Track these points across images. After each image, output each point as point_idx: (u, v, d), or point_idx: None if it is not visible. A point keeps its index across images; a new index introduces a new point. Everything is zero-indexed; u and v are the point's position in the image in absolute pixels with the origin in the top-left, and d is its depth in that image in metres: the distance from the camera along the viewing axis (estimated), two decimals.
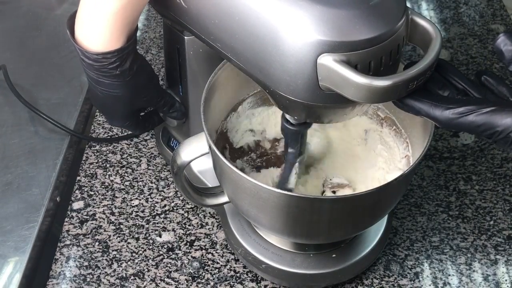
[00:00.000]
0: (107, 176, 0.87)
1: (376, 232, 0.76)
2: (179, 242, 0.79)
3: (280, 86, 0.53)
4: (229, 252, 0.78)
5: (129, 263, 0.77)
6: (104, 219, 0.82)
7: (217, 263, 0.77)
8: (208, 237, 0.80)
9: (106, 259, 0.77)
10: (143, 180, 0.86)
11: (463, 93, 0.54)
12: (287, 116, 0.62)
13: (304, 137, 0.67)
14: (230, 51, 0.57)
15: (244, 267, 0.77)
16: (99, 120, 0.95)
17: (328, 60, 0.48)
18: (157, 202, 0.84)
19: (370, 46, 0.49)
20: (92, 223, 0.81)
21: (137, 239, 0.80)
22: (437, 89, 0.54)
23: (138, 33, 1.10)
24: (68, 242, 0.79)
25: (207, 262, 0.77)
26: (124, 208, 0.83)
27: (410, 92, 0.51)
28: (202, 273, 0.76)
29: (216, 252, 0.78)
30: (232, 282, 0.75)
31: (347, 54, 0.48)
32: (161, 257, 0.78)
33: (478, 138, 0.91)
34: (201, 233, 0.80)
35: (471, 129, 0.50)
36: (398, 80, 0.48)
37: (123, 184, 0.86)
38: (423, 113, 0.52)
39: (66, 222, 0.81)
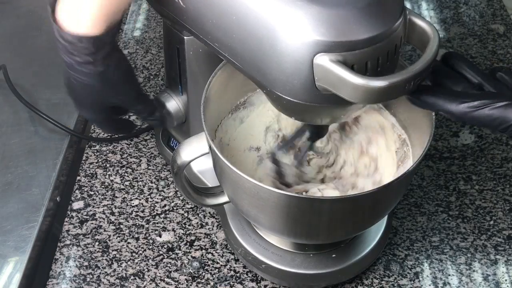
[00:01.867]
0: (107, 176, 0.87)
1: (376, 232, 0.76)
2: (179, 242, 0.79)
3: (276, 86, 0.53)
4: (229, 252, 0.78)
5: (129, 263, 0.77)
6: (104, 219, 0.82)
7: (217, 263, 0.77)
8: (208, 237, 0.80)
9: (106, 259, 0.77)
10: (143, 180, 0.87)
11: (478, 87, 0.54)
12: None
13: None
14: (227, 51, 0.57)
15: (244, 267, 0.77)
16: None
17: (324, 60, 0.48)
18: (157, 202, 0.84)
19: (367, 46, 0.49)
20: (92, 223, 0.81)
21: (137, 239, 0.80)
22: (450, 84, 0.54)
23: (138, 33, 1.11)
24: (68, 242, 0.79)
25: (207, 262, 0.77)
26: (124, 208, 0.83)
27: (408, 92, 0.51)
28: (202, 273, 0.76)
29: (216, 252, 0.78)
30: (232, 282, 0.75)
31: (343, 54, 0.48)
32: (161, 257, 0.78)
33: (492, 132, 0.91)
34: (201, 233, 0.80)
35: (486, 123, 0.50)
36: (394, 80, 0.48)
37: (123, 184, 0.86)
38: (438, 107, 0.51)
39: (66, 222, 0.82)
